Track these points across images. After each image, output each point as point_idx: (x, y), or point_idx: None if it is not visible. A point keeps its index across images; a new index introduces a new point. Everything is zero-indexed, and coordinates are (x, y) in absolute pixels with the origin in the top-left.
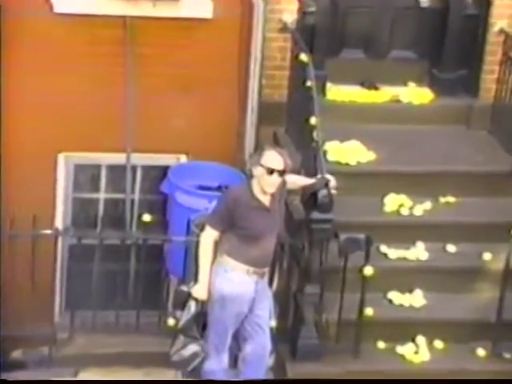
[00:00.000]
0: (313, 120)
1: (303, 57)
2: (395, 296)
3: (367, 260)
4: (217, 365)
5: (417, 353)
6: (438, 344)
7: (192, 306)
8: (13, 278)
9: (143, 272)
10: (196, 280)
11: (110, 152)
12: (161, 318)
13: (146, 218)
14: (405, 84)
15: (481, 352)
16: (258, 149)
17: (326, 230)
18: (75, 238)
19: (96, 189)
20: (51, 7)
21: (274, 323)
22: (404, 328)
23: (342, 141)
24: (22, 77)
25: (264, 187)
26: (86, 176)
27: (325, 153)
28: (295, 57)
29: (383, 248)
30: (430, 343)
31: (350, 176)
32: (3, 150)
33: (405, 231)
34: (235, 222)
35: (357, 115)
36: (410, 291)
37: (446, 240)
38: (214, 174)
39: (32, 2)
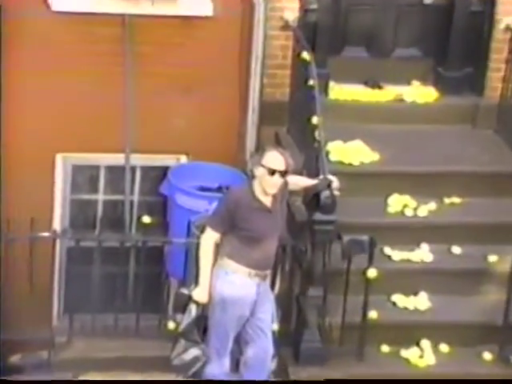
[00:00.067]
0: (315, 119)
1: (305, 55)
2: (399, 299)
3: (371, 262)
4: (218, 369)
5: (422, 357)
6: (444, 348)
7: (193, 310)
8: (10, 281)
9: (143, 274)
10: (197, 283)
11: (108, 152)
12: (161, 322)
13: (146, 219)
14: (409, 83)
15: (487, 356)
16: (260, 149)
17: (328, 232)
18: (73, 240)
19: (94, 190)
20: (49, 5)
21: (276, 326)
22: (409, 331)
23: (344, 141)
24: (19, 76)
25: (265, 188)
26: (84, 177)
27: (327, 153)
28: (297, 55)
29: (387, 250)
30: (435, 347)
31: (353, 176)
32: (2, 151)
33: (409, 232)
34: (236, 224)
35: (360, 115)
36: (415, 294)
37: (451, 241)
38: (215, 174)
39: (30, 0)
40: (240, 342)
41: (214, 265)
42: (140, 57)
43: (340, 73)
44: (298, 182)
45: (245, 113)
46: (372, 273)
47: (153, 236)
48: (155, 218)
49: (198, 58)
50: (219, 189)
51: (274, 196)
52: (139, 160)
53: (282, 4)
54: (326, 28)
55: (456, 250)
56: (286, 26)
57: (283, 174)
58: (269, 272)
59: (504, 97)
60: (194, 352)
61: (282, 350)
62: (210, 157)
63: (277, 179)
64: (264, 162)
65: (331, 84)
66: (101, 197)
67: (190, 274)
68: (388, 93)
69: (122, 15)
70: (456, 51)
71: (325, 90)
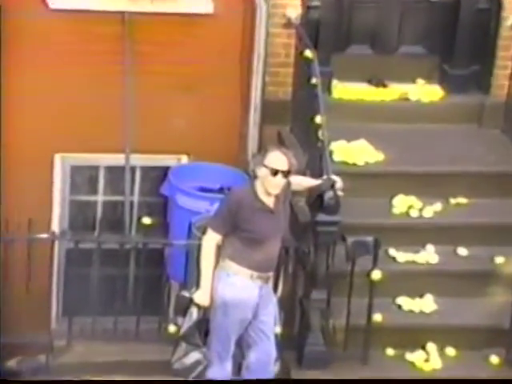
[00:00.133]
0: (318, 119)
1: (308, 53)
2: (405, 301)
3: (375, 264)
4: (220, 373)
5: (427, 360)
6: (450, 351)
7: (194, 313)
8: (8, 283)
9: (143, 277)
10: (198, 285)
11: (108, 152)
12: (161, 325)
13: (146, 220)
14: (414, 81)
15: (494, 359)
16: (262, 149)
17: (332, 233)
18: (72, 242)
19: (94, 191)
20: (47, 4)
21: (278, 330)
22: (414, 334)
23: (348, 140)
24: (17, 75)
25: (268, 189)
26: (83, 177)
27: (331, 153)
28: (300, 53)
29: (392, 251)
30: (441, 350)
31: (358, 177)
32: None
33: (414, 234)
34: (238, 225)
35: (364, 114)
36: (420, 296)
37: (457, 243)
38: (216, 175)
39: (29, 0)
40: (242, 346)
41: (215, 267)
42: (140, 55)
43: (343, 71)
44: (301, 182)
45: (247, 112)
46: (376, 275)
47: (153, 237)
48: (155, 219)
49: (199, 57)
50: (220, 189)
51: (277, 197)
52: (139, 160)
53: (284, 1)
54: (329, 25)
55: (462, 251)
56: (288, 24)
57: (286, 174)
58: (271, 274)
59: (511, 95)
60: (195, 356)
61: (285, 354)
62: (211, 157)
63: (279, 179)
64: (266, 162)
65: (334, 82)
66: (100, 198)
67: (191, 277)
68: (393, 91)
69: (122, 13)
70: (462, 49)
71: (328, 88)
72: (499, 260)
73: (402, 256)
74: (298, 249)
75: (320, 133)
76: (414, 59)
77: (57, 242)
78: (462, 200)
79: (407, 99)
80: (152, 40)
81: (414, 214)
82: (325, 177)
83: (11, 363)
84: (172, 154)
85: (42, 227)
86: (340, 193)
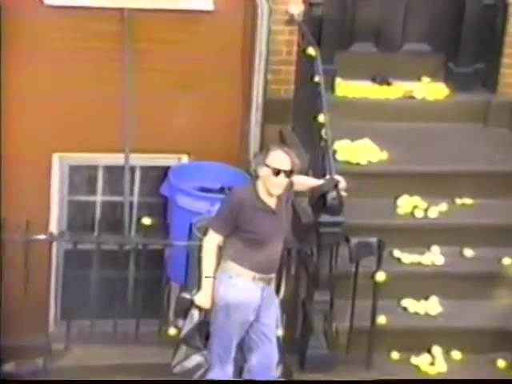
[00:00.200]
0: (321, 117)
1: (311, 50)
2: (410, 303)
3: (379, 265)
4: (221, 376)
5: (433, 364)
6: (456, 354)
7: (195, 315)
8: (5, 285)
9: (143, 278)
10: (199, 287)
11: (107, 152)
12: (161, 328)
13: (146, 221)
14: (419, 79)
15: (501, 363)
16: (264, 148)
17: (335, 234)
18: (71, 242)
19: (93, 191)
20: (43, 1)
21: (281, 332)
22: (419, 337)
23: (352, 139)
24: (16, 75)
25: (270, 189)
26: (81, 177)
27: (334, 152)
28: (302, 51)
29: (396, 252)
30: (446, 353)
31: (361, 176)
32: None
33: (419, 235)
34: (239, 226)
35: (368, 112)
36: (426, 298)
37: (462, 244)
38: (217, 174)
39: None
40: (243, 349)
41: (216, 268)
42: (139, 53)
43: (347, 69)
44: (304, 182)
45: (248, 111)
46: (381, 276)
47: (153, 238)
48: (155, 219)
49: (199, 54)
50: (221, 189)
51: (279, 197)
52: (139, 160)
53: None
54: (332, 22)
55: (468, 252)
56: (290, 21)
57: (288, 174)
58: (273, 276)
59: None
60: (195, 359)
61: (287, 357)
62: (212, 156)
63: (282, 179)
64: (268, 162)
65: (338, 80)
66: (99, 198)
67: (192, 278)
68: (397, 89)
69: (121, 10)
70: (468, 46)
71: (331, 86)
72: (506, 261)
73: (406, 257)
74: (300, 250)
75: (323, 132)
76: (418, 57)
77: (55, 243)
78: (468, 200)
79: (412, 97)
80: (152, 37)
81: (418, 214)
82: (328, 177)
83: (9, 366)
84: (172, 154)
85: (39, 228)
86: (343, 193)
